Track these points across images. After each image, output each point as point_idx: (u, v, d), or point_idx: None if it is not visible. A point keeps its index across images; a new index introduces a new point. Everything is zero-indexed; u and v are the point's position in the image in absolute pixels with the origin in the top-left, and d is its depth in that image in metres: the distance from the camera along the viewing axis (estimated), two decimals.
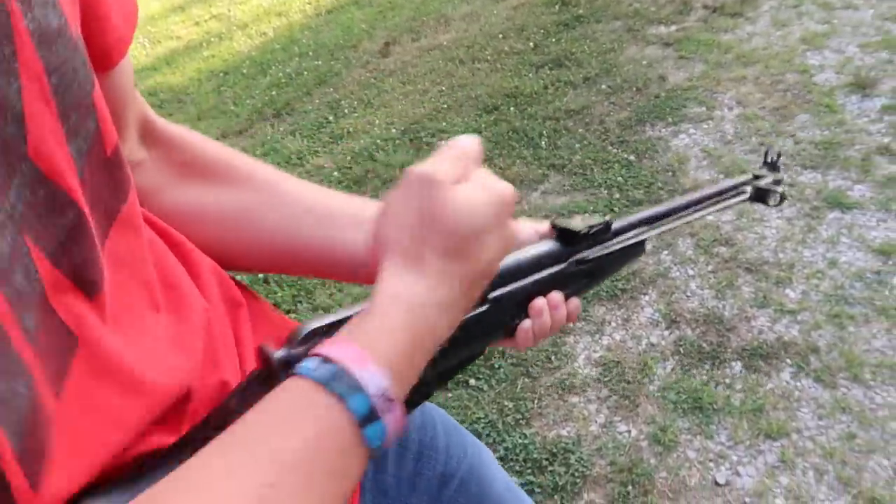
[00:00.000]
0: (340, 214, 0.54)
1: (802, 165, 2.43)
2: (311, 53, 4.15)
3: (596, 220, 0.58)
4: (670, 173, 2.50)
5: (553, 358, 1.88)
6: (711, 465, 1.57)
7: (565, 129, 2.87)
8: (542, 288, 0.55)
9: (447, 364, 0.51)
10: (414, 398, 0.41)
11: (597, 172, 2.56)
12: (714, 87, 2.96)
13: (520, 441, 1.66)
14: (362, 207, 0.55)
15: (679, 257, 2.14)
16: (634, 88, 3.06)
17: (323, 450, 0.31)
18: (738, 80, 2.96)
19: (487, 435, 1.69)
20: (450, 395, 1.80)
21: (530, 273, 0.54)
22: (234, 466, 0.29)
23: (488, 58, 3.59)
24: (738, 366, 1.78)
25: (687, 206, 0.66)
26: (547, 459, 1.62)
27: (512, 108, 3.06)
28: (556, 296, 0.54)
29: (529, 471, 1.60)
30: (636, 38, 3.49)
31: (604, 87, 3.11)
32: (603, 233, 0.59)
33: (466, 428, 1.77)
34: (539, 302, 0.53)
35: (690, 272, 2.09)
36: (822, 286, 1.96)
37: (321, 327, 0.43)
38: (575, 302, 0.56)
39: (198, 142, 0.56)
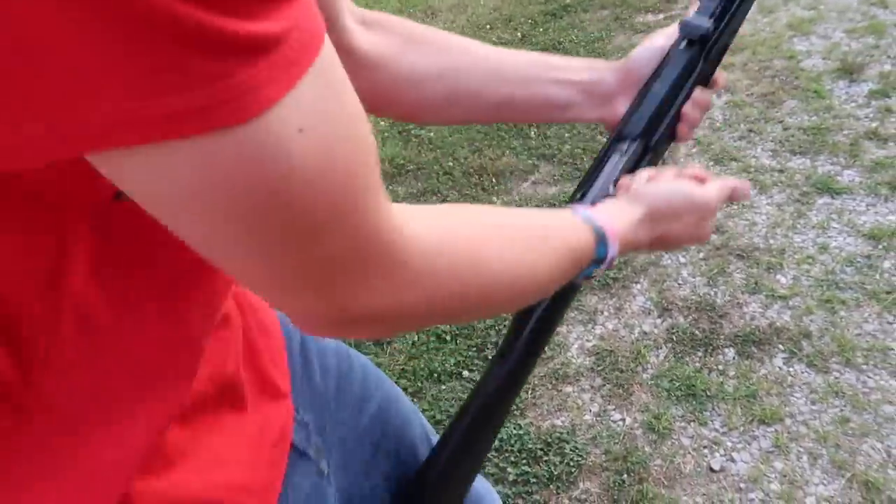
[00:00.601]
0: (537, 73, 0.67)
1: (791, 151, 2.43)
2: None
3: (712, 3, 0.62)
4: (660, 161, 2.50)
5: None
6: (706, 451, 1.57)
7: None
8: (689, 95, 0.64)
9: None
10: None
11: (587, 161, 2.55)
12: None
13: (514, 432, 1.66)
14: (559, 65, 0.68)
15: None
16: None
17: (578, 251, 0.51)
18: (725, 68, 2.96)
19: None
20: (443, 387, 1.79)
21: (678, 92, 0.63)
22: (549, 238, 0.49)
23: None
24: (730, 352, 1.78)
25: None
26: (542, 450, 1.61)
27: None
28: (698, 94, 0.66)
29: (525, 461, 1.59)
30: (624, 27, 3.48)
31: None
32: (724, 10, 0.63)
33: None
34: (687, 106, 0.65)
35: (682, 260, 2.09)
36: (812, 271, 1.96)
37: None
38: (720, 75, 0.69)
39: (399, 21, 0.67)
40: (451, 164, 2.67)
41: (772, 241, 2.08)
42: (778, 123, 2.57)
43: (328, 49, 0.30)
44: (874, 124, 2.47)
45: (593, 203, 0.62)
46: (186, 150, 0.27)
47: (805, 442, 1.55)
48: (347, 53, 0.61)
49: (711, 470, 1.53)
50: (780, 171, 2.35)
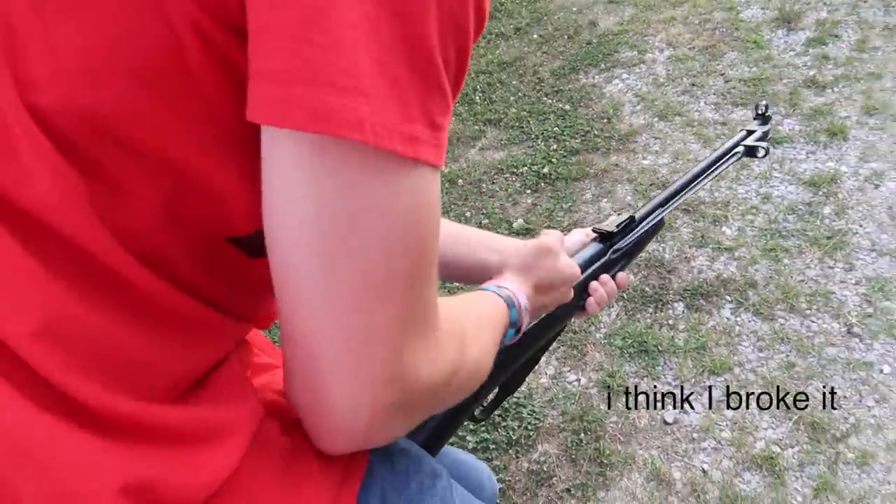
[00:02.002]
0: (477, 242, 0.78)
1: (733, 103, 2.45)
2: None
3: (624, 217, 0.82)
4: (606, 120, 2.50)
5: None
6: (660, 405, 1.60)
7: (499, 82, 2.83)
8: (595, 275, 0.79)
9: (551, 333, 0.77)
10: (537, 355, 0.78)
11: (533, 124, 2.54)
12: (644, 30, 2.95)
13: None
14: (489, 237, 0.79)
15: (618, 203, 2.14)
16: (566, 36, 3.03)
17: (499, 322, 0.59)
18: (667, 22, 2.96)
19: None
20: None
21: (586, 269, 0.78)
22: (486, 323, 0.57)
23: None
24: (680, 306, 1.80)
25: (694, 181, 0.88)
26: (500, 416, 1.62)
27: None
28: (604, 277, 0.79)
29: (484, 428, 1.60)
30: None
31: (535, 36, 3.07)
32: (629, 225, 0.82)
33: None
34: (594, 284, 0.78)
35: None
36: (756, 221, 2.00)
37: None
38: (622, 275, 0.81)
39: None
40: None
41: (716, 195, 2.11)
42: (720, 76, 2.59)
43: None
44: (812, 72, 2.50)
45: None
46: (408, 172, 0.35)
47: (754, 388, 1.59)
48: None
49: (665, 423, 1.56)
50: (723, 123, 2.37)
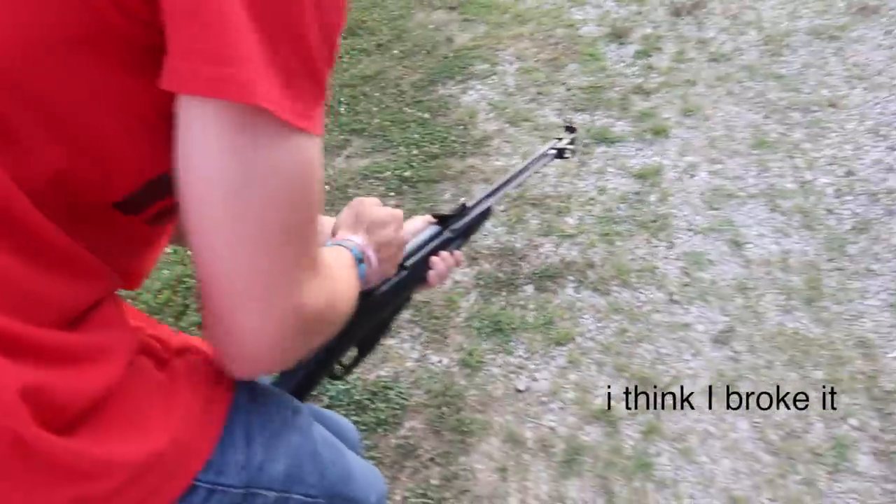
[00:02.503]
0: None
1: (574, 109, 2.71)
2: None
3: (458, 205, 0.99)
4: (462, 127, 2.68)
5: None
6: (513, 376, 1.76)
7: (363, 94, 2.95)
8: (435, 251, 0.91)
9: (399, 300, 0.91)
10: (388, 321, 0.95)
11: (395, 133, 2.68)
12: (495, 45, 3.19)
13: (342, 388, 1.75)
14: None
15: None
16: (425, 51, 3.21)
17: (350, 265, 0.69)
18: (515, 38, 3.21)
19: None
20: None
21: (426, 246, 0.91)
22: (342, 264, 0.68)
23: None
24: (529, 289, 1.99)
25: (514, 177, 1.08)
26: (368, 399, 1.72)
27: None
28: (444, 253, 0.91)
29: (353, 412, 1.69)
30: (423, 4, 3.63)
31: (396, 51, 3.23)
32: (462, 211, 0.98)
33: None
34: (434, 258, 0.90)
35: None
36: (594, 211, 2.23)
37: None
38: (458, 253, 0.94)
39: None
40: None
41: (560, 189, 2.34)
42: (562, 85, 2.85)
43: None
44: (639, 80, 2.82)
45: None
46: (298, 138, 0.43)
47: (593, 354, 1.79)
48: None
49: (518, 391, 1.73)
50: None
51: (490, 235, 2.19)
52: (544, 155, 1.17)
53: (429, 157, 2.53)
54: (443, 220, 0.96)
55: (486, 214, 1.04)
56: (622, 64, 2.94)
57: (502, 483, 1.53)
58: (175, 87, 0.41)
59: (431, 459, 1.58)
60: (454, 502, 1.49)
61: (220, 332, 0.48)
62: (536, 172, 1.19)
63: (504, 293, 1.98)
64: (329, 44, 0.46)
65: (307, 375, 0.85)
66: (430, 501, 1.49)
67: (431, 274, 0.91)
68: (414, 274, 0.90)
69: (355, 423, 1.66)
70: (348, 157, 2.62)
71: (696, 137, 2.50)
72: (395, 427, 1.66)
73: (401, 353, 1.85)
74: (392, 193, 2.39)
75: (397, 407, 1.70)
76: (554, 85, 2.86)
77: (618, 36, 3.12)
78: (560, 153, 1.20)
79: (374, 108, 2.84)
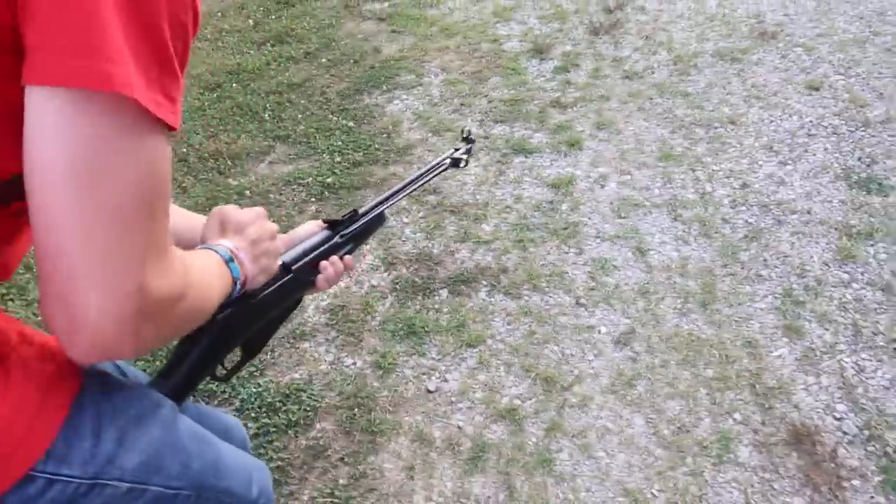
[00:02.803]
0: (195, 222, 0.86)
1: (495, 120, 2.80)
2: None
3: (349, 210, 0.99)
4: (386, 135, 2.73)
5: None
6: (424, 377, 1.81)
7: (289, 101, 2.97)
8: (324, 255, 0.93)
9: (285, 306, 0.91)
10: (275, 324, 0.93)
11: (320, 140, 2.71)
12: (422, 56, 3.26)
13: (254, 391, 1.76)
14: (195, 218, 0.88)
15: (395, 207, 2.37)
16: (352, 61, 3.25)
17: (217, 267, 0.70)
18: (442, 50, 3.30)
19: (222, 392, 1.76)
20: None
21: (315, 250, 0.92)
22: (206, 265, 0.68)
23: (209, 36, 3.54)
24: (444, 293, 2.05)
25: (409, 184, 1.08)
26: (280, 401, 1.74)
27: (235, 85, 3.08)
28: (333, 257, 0.93)
29: (265, 414, 1.71)
30: (353, 15, 3.68)
31: (324, 60, 3.26)
32: (353, 217, 0.99)
33: (200, 389, 1.80)
34: (323, 263, 0.92)
35: (405, 220, 2.33)
36: (509, 218, 2.32)
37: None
38: (348, 258, 0.95)
39: None
40: (185, 150, 2.66)
41: (478, 197, 2.41)
42: (484, 97, 2.94)
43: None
44: (557, 94, 2.93)
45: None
46: (152, 129, 0.47)
47: (502, 355, 1.86)
48: None
49: (429, 391, 1.78)
50: (486, 137, 2.71)
51: (409, 241, 2.24)
52: (440, 164, 1.18)
53: (352, 164, 2.57)
54: (334, 226, 0.97)
55: (378, 220, 1.04)
56: (542, 78, 3.06)
57: (409, 481, 1.57)
58: (39, 81, 0.43)
59: (341, 459, 1.61)
60: (361, 500, 1.53)
61: (59, 310, 0.48)
62: (431, 181, 1.20)
63: (420, 297, 2.04)
64: (183, 41, 0.50)
65: (185, 376, 0.85)
66: (337, 500, 1.52)
67: (320, 278, 0.92)
68: (301, 277, 0.91)
69: (266, 425, 1.68)
70: (271, 163, 2.63)
71: (607, 150, 2.63)
72: (307, 428, 1.68)
73: (315, 356, 1.88)
74: (314, 199, 2.42)
75: (309, 409, 1.72)
76: (477, 97, 2.95)
77: (539, 52, 3.24)
78: (455, 162, 1.22)
79: (300, 116, 2.86)
